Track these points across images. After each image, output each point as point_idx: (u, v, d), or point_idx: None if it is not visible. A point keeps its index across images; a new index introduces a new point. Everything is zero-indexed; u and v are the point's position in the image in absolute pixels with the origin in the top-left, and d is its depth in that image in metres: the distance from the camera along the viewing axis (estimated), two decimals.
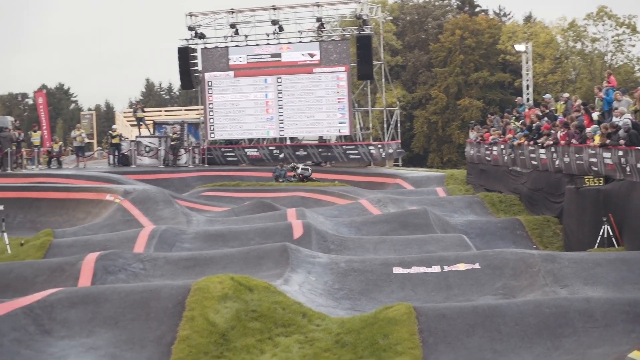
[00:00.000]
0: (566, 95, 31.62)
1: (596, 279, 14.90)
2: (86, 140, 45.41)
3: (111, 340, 11.74)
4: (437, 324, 11.67)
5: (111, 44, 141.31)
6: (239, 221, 24.85)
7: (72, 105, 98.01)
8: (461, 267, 15.73)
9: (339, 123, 43.65)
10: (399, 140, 47.44)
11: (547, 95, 33.33)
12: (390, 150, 45.04)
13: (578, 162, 23.86)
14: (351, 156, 43.06)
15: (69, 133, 55.02)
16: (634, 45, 64.75)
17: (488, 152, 33.73)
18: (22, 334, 11.68)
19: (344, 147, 43.63)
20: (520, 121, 31.48)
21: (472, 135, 37.71)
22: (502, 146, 31.68)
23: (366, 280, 15.47)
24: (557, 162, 25.73)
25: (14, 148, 36.47)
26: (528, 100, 39.81)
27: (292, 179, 37.54)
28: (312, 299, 14.00)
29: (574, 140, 24.64)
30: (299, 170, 38.14)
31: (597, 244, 20.24)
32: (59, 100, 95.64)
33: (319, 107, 43.78)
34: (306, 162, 43.28)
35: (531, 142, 28.45)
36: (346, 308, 14.18)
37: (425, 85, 70.15)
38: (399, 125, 47.29)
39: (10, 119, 43.31)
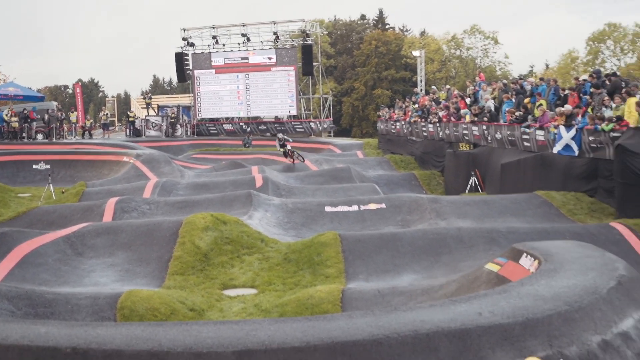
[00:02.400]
0: (448, 87, 31.97)
1: (466, 214, 15.01)
2: (110, 118, 45.00)
3: (126, 259, 11.61)
4: (355, 245, 11.67)
5: (130, 49, 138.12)
6: (217, 175, 24.58)
7: (100, 94, 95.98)
8: (372, 206, 15.75)
9: (289, 106, 43.56)
10: (331, 118, 47.35)
11: (434, 87, 33.71)
12: (325, 125, 44.97)
13: (455, 133, 24.12)
14: (297, 129, 42.93)
15: (98, 114, 54.19)
16: (495, 52, 65.93)
17: (393, 127, 34.00)
18: (62, 256, 11.53)
19: (292, 123, 43.44)
20: (416, 105, 31.72)
21: (383, 114, 37.95)
22: (403, 122, 31.94)
23: (306, 216, 15.42)
24: (440, 134, 25.97)
25: (58, 124, 36.87)
26: (421, 90, 40.10)
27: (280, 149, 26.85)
28: (268, 229, 13.93)
29: (452, 118, 24.88)
30: (288, 147, 26.38)
31: (467, 190, 20.56)
32: (90, 90, 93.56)
33: (275, 95, 43.58)
34: (266, 134, 43.10)
35: (423, 120, 28.70)
36: (292, 235, 14.14)
37: (350, 79, 69.90)
38: (331, 107, 47.19)
39: (54, 103, 43.32)
